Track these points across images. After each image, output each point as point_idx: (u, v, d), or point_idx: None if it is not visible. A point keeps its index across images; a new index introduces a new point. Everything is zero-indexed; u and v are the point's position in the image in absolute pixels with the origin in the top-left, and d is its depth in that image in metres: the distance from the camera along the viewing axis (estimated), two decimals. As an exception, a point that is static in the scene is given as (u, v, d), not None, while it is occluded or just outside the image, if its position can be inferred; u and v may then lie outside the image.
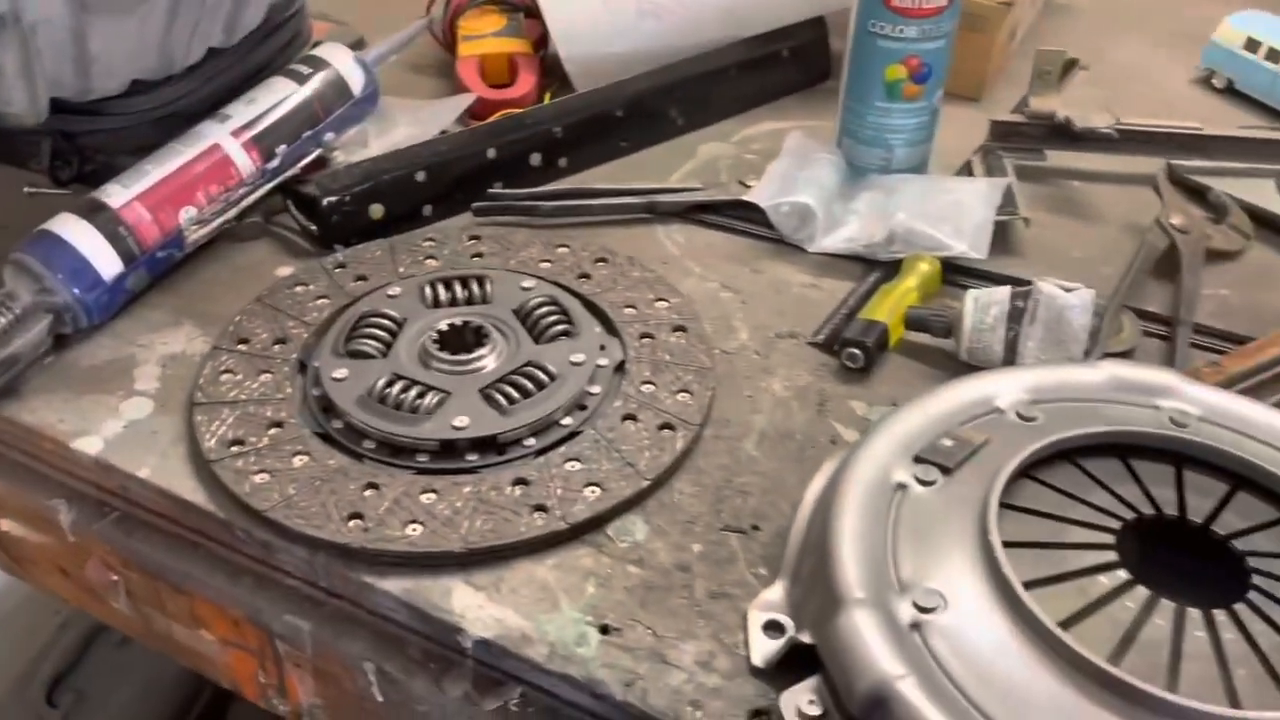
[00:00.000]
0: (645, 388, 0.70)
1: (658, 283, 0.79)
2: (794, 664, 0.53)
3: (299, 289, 0.78)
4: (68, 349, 0.75)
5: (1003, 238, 0.85)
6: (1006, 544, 0.52)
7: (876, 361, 0.74)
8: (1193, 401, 0.62)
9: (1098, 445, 0.59)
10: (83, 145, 0.83)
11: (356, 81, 0.88)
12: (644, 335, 0.74)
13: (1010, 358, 0.71)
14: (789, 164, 0.91)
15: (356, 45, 0.94)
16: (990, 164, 0.93)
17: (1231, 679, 0.48)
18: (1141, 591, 0.52)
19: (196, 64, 0.83)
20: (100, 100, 0.80)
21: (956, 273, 0.82)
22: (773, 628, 0.56)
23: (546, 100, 1.01)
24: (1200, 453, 0.58)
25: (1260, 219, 0.88)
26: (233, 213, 0.82)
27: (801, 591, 0.56)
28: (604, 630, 0.57)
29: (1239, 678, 0.48)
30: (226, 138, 0.80)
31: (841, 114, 0.92)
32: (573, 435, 0.67)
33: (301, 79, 0.85)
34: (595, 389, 0.70)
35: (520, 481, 0.63)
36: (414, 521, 0.61)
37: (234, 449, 0.65)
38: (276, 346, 0.73)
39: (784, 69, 1.05)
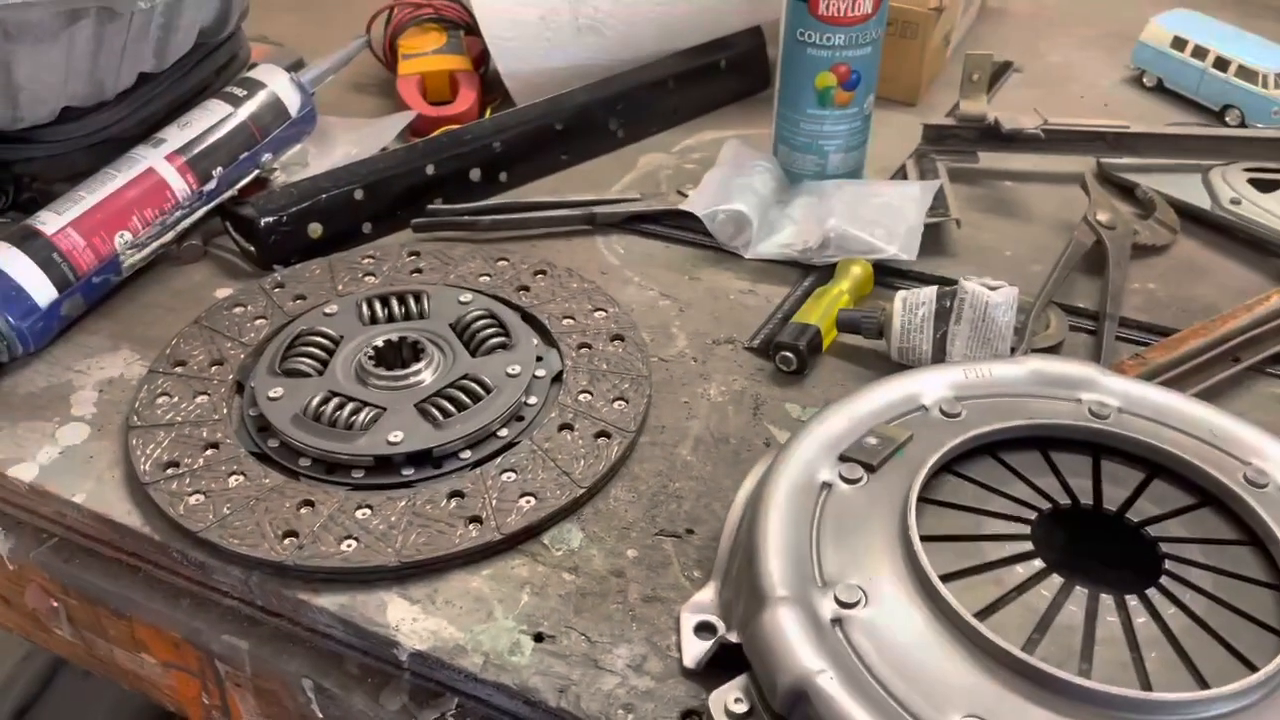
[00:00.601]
0: (582, 397, 0.71)
1: (596, 293, 0.80)
2: (725, 664, 0.54)
3: (237, 310, 0.78)
4: (3, 377, 0.75)
5: (936, 239, 0.87)
6: (925, 538, 0.53)
7: (810, 364, 0.75)
8: (1113, 393, 0.63)
9: (1018, 439, 0.60)
10: (17, 173, 0.83)
11: (293, 102, 0.89)
12: (582, 345, 0.75)
13: (939, 356, 0.72)
14: (725, 172, 0.92)
15: (295, 66, 0.95)
16: (924, 167, 0.94)
17: (1143, 662, 0.49)
18: (1056, 579, 0.53)
19: (129, 89, 0.83)
20: (32, 128, 0.80)
21: (888, 275, 0.83)
22: (704, 629, 0.56)
23: (487, 116, 1.01)
24: (1117, 443, 0.60)
25: (1187, 213, 0.90)
26: (169, 236, 0.82)
27: (731, 592, 0.57)
28: (538, 638, 0.58)
29: (1150, 660, 0.49)
30: (161, 162, 0.81)
31: (776, 121, 0.93)
32: (509, 446, 0.68)
33: (237, 101, 0.86)
34: (532, 400, 0.70)
35: (455, 494, 0.64)
36: (349, 537, 0.61)
37: (169, 471, 0.65)
38: (213, 368, 0.73)
39: (722, 79, 1.07)
